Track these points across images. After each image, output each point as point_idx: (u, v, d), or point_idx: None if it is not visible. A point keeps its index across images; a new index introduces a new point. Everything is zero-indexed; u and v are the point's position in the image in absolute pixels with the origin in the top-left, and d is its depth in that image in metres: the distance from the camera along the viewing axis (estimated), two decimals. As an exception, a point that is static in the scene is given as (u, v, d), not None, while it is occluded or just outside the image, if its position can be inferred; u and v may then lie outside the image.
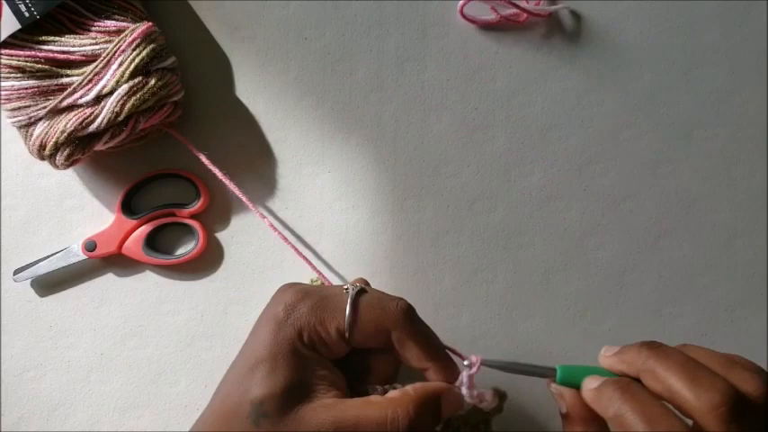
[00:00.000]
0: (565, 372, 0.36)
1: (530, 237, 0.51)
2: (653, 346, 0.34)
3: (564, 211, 0.51)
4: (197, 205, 0.49)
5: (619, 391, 0.32)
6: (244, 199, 0.48)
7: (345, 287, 0.37)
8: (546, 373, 0.36)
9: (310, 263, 0.48)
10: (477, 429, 0.39)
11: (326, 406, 0.34)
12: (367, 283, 0.42)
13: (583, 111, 0.52)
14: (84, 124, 0.44)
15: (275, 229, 0.48)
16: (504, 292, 0.50)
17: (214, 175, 0.49)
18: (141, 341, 0.50)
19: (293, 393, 0.34)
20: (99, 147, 0.46)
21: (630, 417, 0.31)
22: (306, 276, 0.49)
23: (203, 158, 0.48)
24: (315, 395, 0.34)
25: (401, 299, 0.38)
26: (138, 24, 0.45)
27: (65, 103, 0.44)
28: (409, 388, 0.36)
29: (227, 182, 0.48)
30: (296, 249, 0.48)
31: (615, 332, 0.50)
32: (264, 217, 0.49)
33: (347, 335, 0.36)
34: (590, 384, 0.35)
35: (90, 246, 0.49)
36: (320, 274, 0.48)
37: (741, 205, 0.51)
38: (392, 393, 0.36)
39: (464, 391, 0.37)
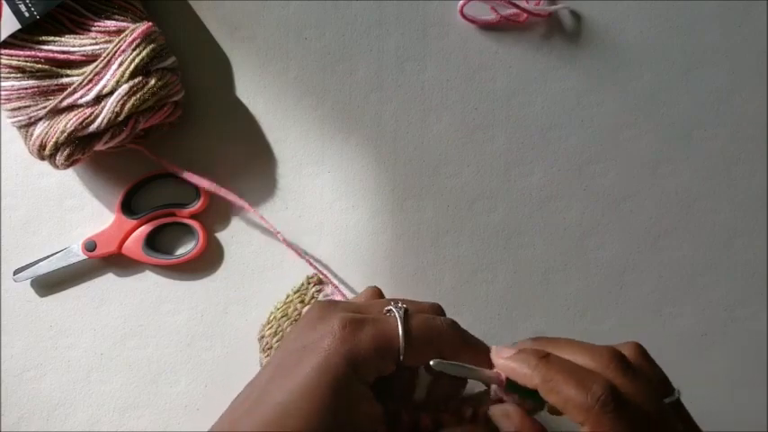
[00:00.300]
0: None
1: (530, 237, 0.51)
2: (543, 359, 0.33)
3: (564, 211, 0.51)
4: (197, 205, 0.49)
5: (544, 360, 0.33)
6: (240, 202, 0.48)
7: (387, 309, 0.35)
8: (495, 380, 0.35)
9: (311, 262, 0.48)
10: None
11: None
12: (380, 293, 0.41)
13: (583, 111, 0.52)
14: (84, 124, 0.44)
15: (270, 228, 0.48)
16: (504, 292, 0.50)
17: (214, 175, 0.49)
18: (141, 341, 0.50)
19: (342, 430, 0.32)
20: (99, 147, 0.46)
21: (561, 380, 0.31)
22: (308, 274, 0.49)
23: (187, 173, 0.48)
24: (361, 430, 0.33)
25: (442, 312, 0.37)
26: (138, 24, 0.45)
27: (65, 103, 0.44)
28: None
29: (210, 186, 0.48)
30: (293, 247, 0.48)
31: (615, 332, 0.50)
32: (263, 218, 0.49)
33: (402, 359, 0.34)
34: (503, 353, 0.34)
35: (90, 246, 0.49)
36: (322, 273, 0.48)
37: (741, 205, 0.51)
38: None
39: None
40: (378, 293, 0.40)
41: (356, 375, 0.33)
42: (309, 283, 0.48)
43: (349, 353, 0.32)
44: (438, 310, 0.37)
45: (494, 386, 0.35)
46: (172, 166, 0.49)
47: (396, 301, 0.36)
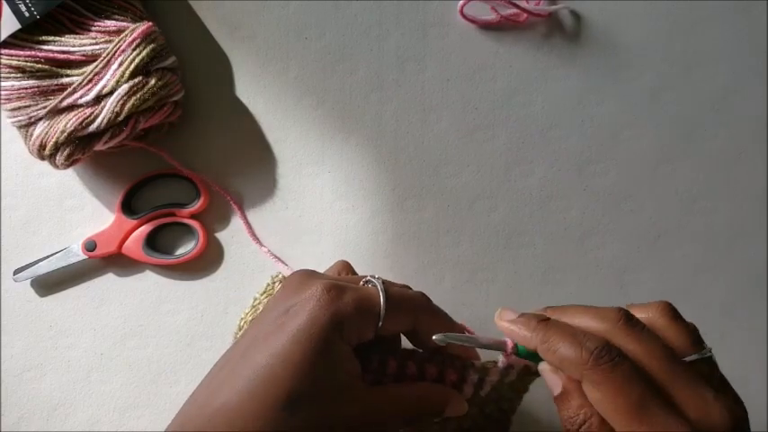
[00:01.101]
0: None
1: (530, 237, 0.51)
2: (543, 322, 0.34)
3: (564, 211, 0.51)
4: (197, 205, 0.49)
5: (543, 323, 0.33)
6: (232, 203, 0.48)
7: (365, 279, 0.37)
8: (501, 345, 0.36)
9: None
10: (509, 403, 0.40)
11: (354, 399, 0.34)
12: (351, 267, 0.43)
13: (583, 111, 0.52)
14: (84, 124, 0.44)
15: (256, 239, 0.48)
16: (504, 292, 0.50)
17: (214, 175, 0.49)
18: (141, 341, 0.50)
19: (328, 388, 0.33)
20: (99, 147, 0.46)
21: (557, 339, 0.32)
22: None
23: (187, 172, 0.48)
24: (345, 388, 0.34)
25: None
26: (138, 24, 0.45)
27: (65, 103, 0.44)
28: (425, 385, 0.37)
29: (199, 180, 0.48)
30: (273, 254, 0.48)
31: (615, 332, 0.50)
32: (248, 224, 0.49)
33: (381, 324, 0.35)
34: (506, 315, 0.35)
35: (90, 246, 0.49)
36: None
37: (741, 205, 0.51)
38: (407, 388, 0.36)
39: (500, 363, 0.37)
40: (347, 267, 0.42)
41: (339, 336, 0.34)
42: (275, 282, 0.48)
43: (333, 314, 0.34)
44: (407, 288, 0.39)
45: (501, 359, 0.36)
46: (174, 161, 0.49)
47: (371, 276, 0.37)
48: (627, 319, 0.32)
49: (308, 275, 0.37)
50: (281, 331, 0.34)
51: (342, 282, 0.36)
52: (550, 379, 0.34)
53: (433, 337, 0.35)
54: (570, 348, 0.31)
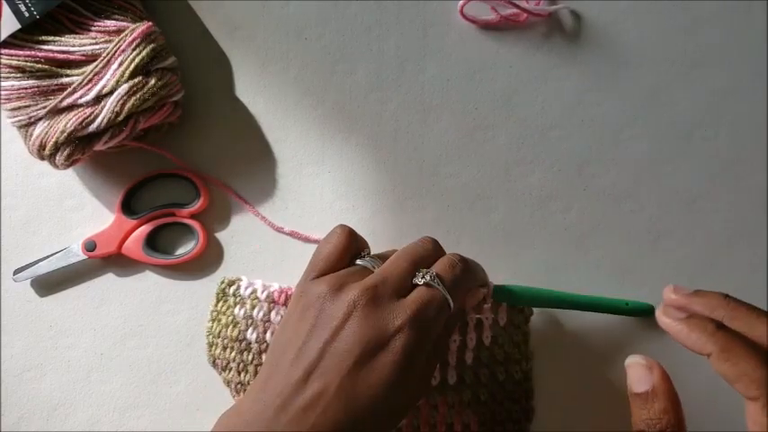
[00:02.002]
0: (498, 289, 0.46)
1: (530, 237, 0.51)
2: (722, 330, 0.34)
3: (564, 211, 0.51)
4: (197, 205, 0.49)
5: (722, 331, 0.33)
6: (240, 200, 0.48)
7: (421, 277, 0.39)
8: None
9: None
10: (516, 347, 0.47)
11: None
12: (352, 232, 0.43)
13: (583, 111, 0.52)
14: (84, 124, 0.44)
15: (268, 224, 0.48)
16: (504, 292, 0.50)
17: (214, 175, 0.49)
18: (141, 341, 0.50)
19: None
20: (99, 147, 0.46)
21: (740, 353, 0.32)
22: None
23: (188, 170, 0.48)
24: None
25: (440, 250, 0.42)
26: (137, 24, 0.45)
27: (65, 103, 0.44)
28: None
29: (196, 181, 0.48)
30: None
31: (615, 330, 0.50)
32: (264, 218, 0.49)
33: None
34: (675, 301, 0.36)
35: (90, 246, 0.49)
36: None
37: (741, 205, 0.51)
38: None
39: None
40: (350, 234, 0.42)
41: (430, 344, 0.37)
42: (227, 285, 0.48)
43: (423, 329, 0.36)
44: (438, 253, 0.42)
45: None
46: (174, 160, 0.49)
47: (424, 270, 0.39)
48: None
49: (377, 294, 0.37)
50: (376, 360, 0.35)
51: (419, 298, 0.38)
52: (639, 374, 0.34)
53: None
54: (755, 366, 0.31)
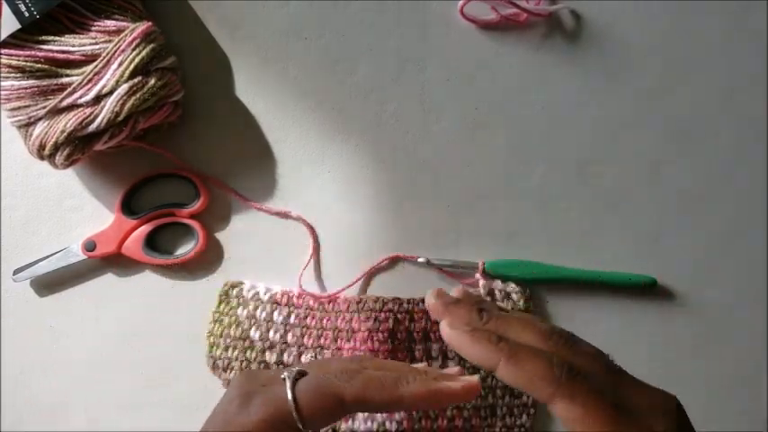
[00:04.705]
0: (491, 264, 0.49)
1: (529, 237, 0.51)
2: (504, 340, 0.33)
3: (564, 210, 0.51)
4: (197, 205, 0.49)
5: (504, 340, 0.32)
6: (240, 199, 0.48)
7: (283, 376, 0.35)
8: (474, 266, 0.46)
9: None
10: None
11: None
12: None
13: (583, 110, 0.52)
14: (83, 124, 0.44)
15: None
16: (504, 292, 0.50)
17: (214, 175, 0.49)
18: (141, 341, 0.50)
19: None
20: (99, 146, 0.45)
21: (524, 356, 0.31)
22: (308, 274, 0.49)
23: (188, 171, 0.48)
24: None
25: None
26: (137, 24, 0.45)
27: (65, 103, 0.44)
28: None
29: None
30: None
31: (616, 331, 0.50)
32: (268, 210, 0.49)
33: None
34: (447, 311, 0.35)
35: (90, 246, 0.49)
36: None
37: (741, 205, 0.51)
38: None
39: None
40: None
41: None
42: (230, 288, 0.49)
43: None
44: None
45: (480, 281, 0.49)
46: (175, 159, 0.49)
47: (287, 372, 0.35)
48: (568, 336, 0.33)
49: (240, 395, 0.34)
50: None
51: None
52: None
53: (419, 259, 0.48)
54: (541, 365, 0.31)
